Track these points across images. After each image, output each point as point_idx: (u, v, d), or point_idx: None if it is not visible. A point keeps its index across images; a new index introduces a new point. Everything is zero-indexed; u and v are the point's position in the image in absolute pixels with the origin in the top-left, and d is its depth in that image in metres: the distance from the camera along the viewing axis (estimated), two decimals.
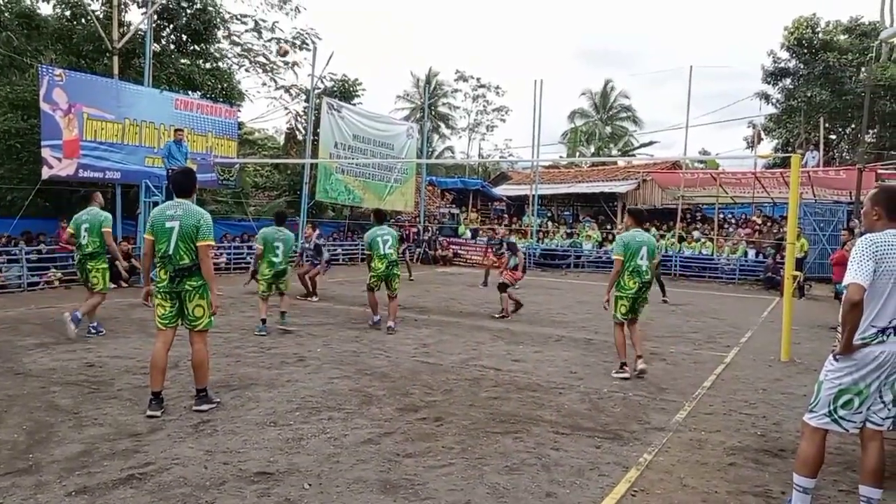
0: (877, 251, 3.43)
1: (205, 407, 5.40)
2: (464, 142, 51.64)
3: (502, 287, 11.31)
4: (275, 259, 9.14)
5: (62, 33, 17.44)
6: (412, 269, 18.23)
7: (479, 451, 4.63)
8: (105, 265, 8.70)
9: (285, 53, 15.05)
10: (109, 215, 8.84)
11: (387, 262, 9.42)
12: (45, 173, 13.87)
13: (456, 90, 47.80)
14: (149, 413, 5.19)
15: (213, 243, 5.45)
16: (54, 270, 13.95)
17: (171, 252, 5.29)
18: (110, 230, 8.68)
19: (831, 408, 3.57)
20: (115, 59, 16.25)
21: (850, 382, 3.52)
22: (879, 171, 21.02)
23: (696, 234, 22.95)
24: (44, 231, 15.12)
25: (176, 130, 14.72)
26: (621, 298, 7.17)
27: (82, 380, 6.25)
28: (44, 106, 13.74)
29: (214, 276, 5.52)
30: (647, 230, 9.35)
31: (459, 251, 24.83)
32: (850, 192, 19.54)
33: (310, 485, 3.97)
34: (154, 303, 5.49)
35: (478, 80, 47.45)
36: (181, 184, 5.57)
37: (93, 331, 8.51)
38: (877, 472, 3.56)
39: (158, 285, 5.41)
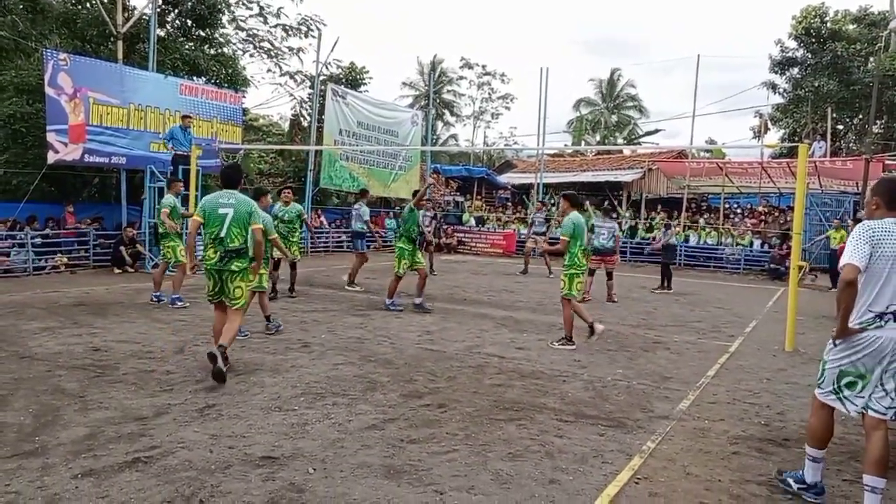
0: (873, 236, 3.58)
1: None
2: (468, 129, 51.51)
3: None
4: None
5: (67, 17, 17.38)
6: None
7: (482, 438, 4.64)
8: (174, 242, 9.99)
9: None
10: (168, 198, 10.22)
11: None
12: (51, 158, 13.87)
13: (461, 77, 47.56)
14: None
15: (262, 227, 6.31)
16: (60, 255, 13.99)
17: (223, 235, 6.07)
18: (167, 210, 9.89)
19: (835, 386, 3.73)
20: (120, 43, 16.19)
21: (848, 364, 3.67)
22: (887, 162, 20.87)
23: (701, 221, 22.89)
24: (50, 215, 15.14)
25: (184, 117, 14.70)
26: (577, 275, 7.86)
27: (88, 364, 6.28)
28: (49, 90, 13.72)
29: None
30: (585, 210, 10.25)
31: (464, 239, 24.82)
32: (857, 183, 19.46)
33: (314, 469, 3.99)
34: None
35: (483, 67, 47.19)
36: (231, 177, 6.53)
37: (178, 303, 9.75)
38: (881, 461, 3.58)
39: (206, 263, 6.17)
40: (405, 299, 10.54)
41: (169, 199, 10.18)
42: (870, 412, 3.65)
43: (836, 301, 3.66)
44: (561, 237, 7.88)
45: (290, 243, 10.48)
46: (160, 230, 10.25)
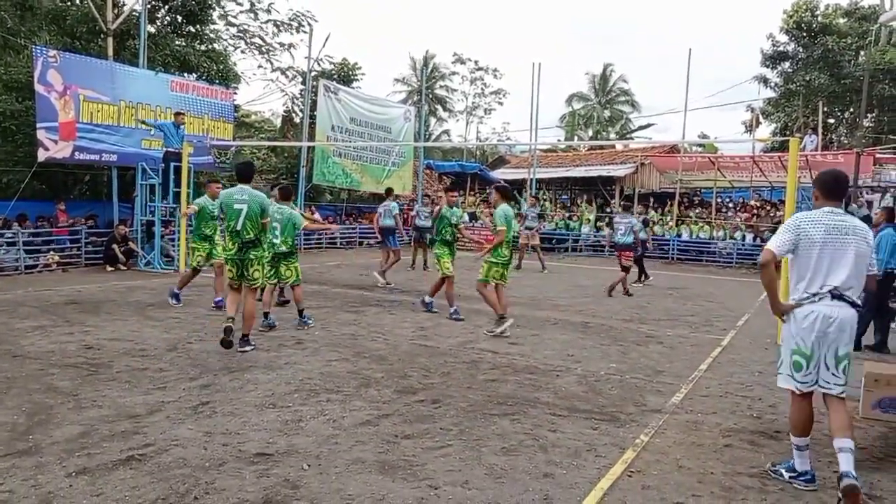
0: (799, 225, 3.97)
1: (247, 349, 6.80)
2: (461, 125, 51.52)
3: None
4: (274, 240, 8.26)
5: (56, 14, 17.26)
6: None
7: (476, 433, 4.66)
8: (201, 244, 9.56)
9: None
10: (202, 199, 9.69)
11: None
12: (41, 155, 13.79)
13: (453, 73, 47.56)
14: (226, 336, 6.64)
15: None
16: (52, 253, 13.93)
17: (238, 228, 6.89)
18: (195, 207, 9.59)
19: (791, 371, 4.03)
20: (110, 40, 16.10)
21: (794, 345, 4.00)
22: (877, 156, 21.01)
23: (692, 215, 22.97)
24: (41, 213, 15.06)
25: (177, 114, 14.63)
26: (496, 265, 8.34)
27: (81, 362, 6.26)
28: (38, 88, 13.63)
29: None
30: (515, 203, 10.68)
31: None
32: (848, 177, 19.53)
33: (309, 465, 4.00)
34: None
35: (475, 62, 47.21)
36: (244, 173, 7.24)
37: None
38: (843, 426, 3.82)
39: (227, 253, 7.16)
40: (409, 296, 10.54)
41: (202, 200, 9.54)
42: (823, 390, 3.96)
43: (761, 265, 4.04)
44: (498, 228, 8.29)
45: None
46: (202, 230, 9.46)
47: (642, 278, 14.32)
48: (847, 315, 3.90)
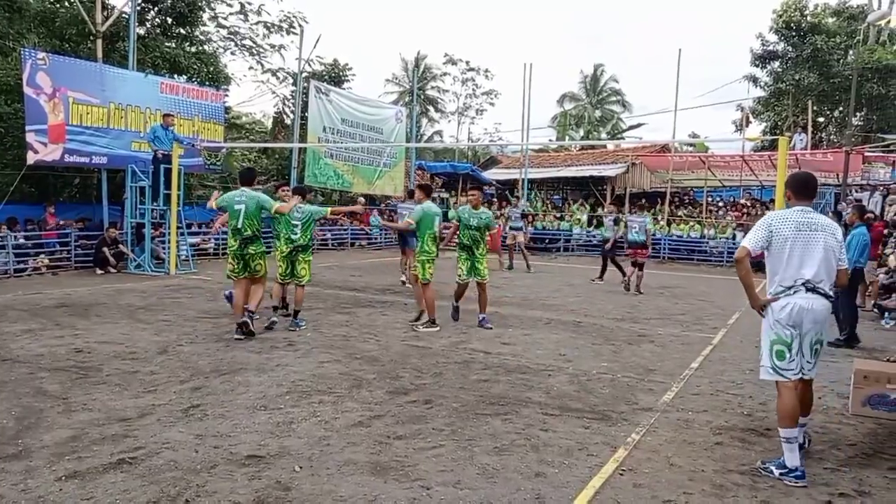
0: (770, 223, 4.22)
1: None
2: (453, 126, 51.45)
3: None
4: (293, 236, 8.41)
5: (45, 16, 17.17)
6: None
7: (468, 433, 4.66)
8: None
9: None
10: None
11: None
12: (31, 158, 13.70)
13: (445, 73, 47.47)
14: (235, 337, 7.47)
15: (275, 204, 7.98)
16: (42, 256, 13.84)
17: (239, 226, 7.68)
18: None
19: (773, 362, 4.24)
20: (99, 42, 16.02)
21: (774, 335, 4.22)
22: (866, 154, 21.14)
23: (681, 213, 23.06)
24: (30, 217, 14.96)
25: (165, 115, 14.57)
26: (428, 262, 8.52)
27: (70, 365, 6.23)
28: (27, 90, 13.54)
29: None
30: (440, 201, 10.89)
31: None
32: (838, 175, 19.67)
33: (301, 467, 3.99)
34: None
35: (467, 63, 47.11)
36: (245, 176, 8.09)
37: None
38: (807, 404, 4.42)
39: (230, 248, 7.83)
40: (401, 297, 10.52)
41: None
42: (804, 376, 4.27)
43: (736, 261, 4.33)
44: (407, 219, 8.91)
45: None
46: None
47: (603, 276, 14.39)
48: (821, 306, 4.16)
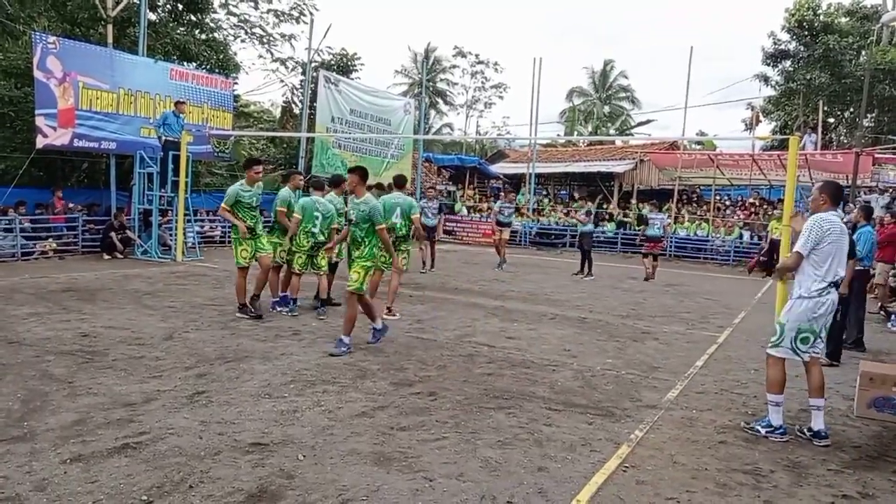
0: (822, 226, 4.69)
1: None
2: (461, 118, 51.31)
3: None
4: (314, 230, 8.56)
5: (56, 0, 17.17)
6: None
7: (472, 426, 4.67)
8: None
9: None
10: (284, 191, 9.06)
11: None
12: (40, 142, 13.72)
13: (454, 66, 47.37)
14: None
15: (280, 208, 8.69)
16: (49, 240, 13.89)
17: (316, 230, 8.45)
18: (283, 209, 8.80)
19: (794, 345, 4.74)
20: (110, 27, 16.01)
21: (807, 325, 4.71)
22: (877, 156, 20.99)
23: (685, 214, 22.98)
24: (39, 200, 15.01)
25: (177, 102, 14.58)
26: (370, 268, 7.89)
27: (76, 349, 6.26)
28: (38, 74, 13.55)
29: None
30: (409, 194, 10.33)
31: (455, 229, 24.80)
32: (847, 176, 19.52)
33: (304, 456, 4.00)
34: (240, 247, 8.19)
35: (476, 56, 47.02)
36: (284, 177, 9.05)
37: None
38: (820, 387, 4.80)
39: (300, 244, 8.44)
40: (407, 290, 10.49)
41: (285, 192, 8.95)
42: (812, 355, 4.84)
43: (783, 268, 5.10)
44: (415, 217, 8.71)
45: (256, 236, 8.46)
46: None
47: (584, 271, 14.72)
48: (837, 297, 4.82)
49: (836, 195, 4.92)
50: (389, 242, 7.27)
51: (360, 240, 6.90)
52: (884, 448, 4.74)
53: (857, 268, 8.01)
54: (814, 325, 4.70)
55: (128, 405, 4.75)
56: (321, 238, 8.65)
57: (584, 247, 14.90)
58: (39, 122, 13.64)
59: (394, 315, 8.54)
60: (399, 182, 9.35)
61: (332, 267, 9.30)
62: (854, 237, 8.15)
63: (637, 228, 21.92)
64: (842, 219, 5.00)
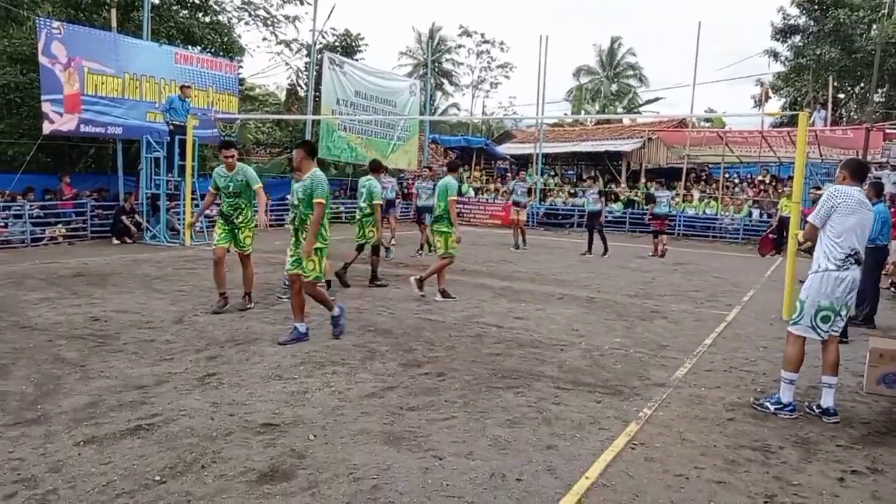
0: (836, 197, 4.69)
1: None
2: (467, 99, 51.12)
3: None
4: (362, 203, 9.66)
5: None
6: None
7: (481, 406, 4.69)
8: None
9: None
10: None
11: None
12: (46, 128, 13.76)
13: (459, 46, 47.05)
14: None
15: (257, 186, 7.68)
16: (59, 226, 13.97)
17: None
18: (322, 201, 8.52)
19: (813, 322, 4.74)
20: (114, 11, 15.95)
21: (826, 303, 4.69)
22: (887, 131, 20.77)
23: (696, 193, 22.85)
24: (47, 186, 15.07)
25: (183, 87, 14.56)
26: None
27: (87, 333, 6.31)
28: (43, 60, 13.55)
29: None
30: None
31: (463, 210, 24.76)
32: (858, 152, 19.33)
33: (315, 436, 4.03)
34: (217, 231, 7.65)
35: (482, 35, 46.68)
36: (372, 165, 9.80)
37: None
38: (834, 364, 4.81)
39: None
40: (413, 271, 10.54)
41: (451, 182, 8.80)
42: (832, 334, 4.83)
43: (804, 237, 5.02)
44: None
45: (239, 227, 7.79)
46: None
47: (592, 251, 14.92)
48: (859, 276, 4.76)
49: (857, 170, 4.92)
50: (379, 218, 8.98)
51: (305, 221, 6.21)
52: (893, 424, 4.73)
53: (868, 245, 7.99)
54: (834, 303, 4.67)
55: (139, 388, 4.79)
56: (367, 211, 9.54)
57: (593, 226, 15.01)
58: (46, 107, 13.66)
59: (421, 293, 8.76)
60: (374, 166, 10.01)
61: (373, 248, 9.76)
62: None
63: (645, 207, 22.02)
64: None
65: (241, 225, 7.65)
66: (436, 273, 8.81)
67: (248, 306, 7.75)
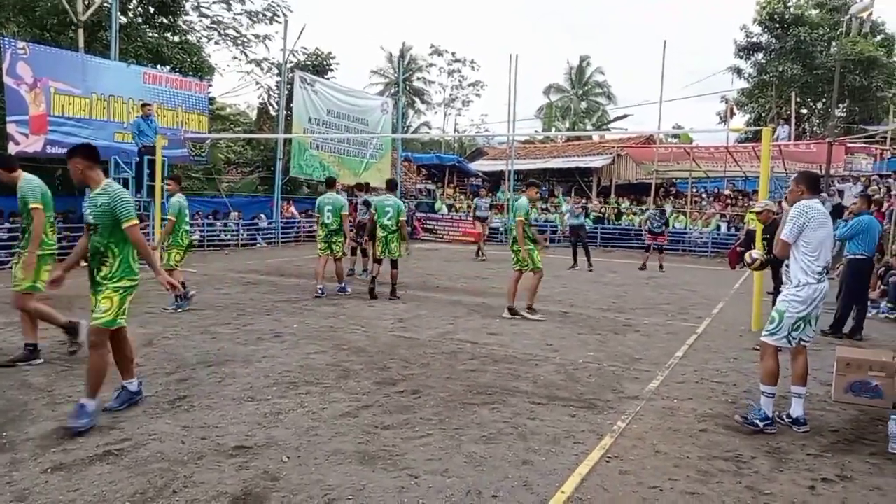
0: (806, 213, 4.75)
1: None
2: (439, 117, 51.40)
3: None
4: (326, 221, 10.36)
5: (24, 5, 16.87)
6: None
7: (456, 422, 4.68)
8: (342, 238, 10.68)
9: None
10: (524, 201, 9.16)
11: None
12: (12, 150, 13.50)
13: (431, 65, 47.37)
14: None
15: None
16: None
17: (327, 221, 10.42)
18: (347, 213, 10.67)
19: (789, 333, 4.81)
20: (81, 31, 15.80)
21: (805, 314, 4.79)
22: (849, 145, 21.33)
23: (668, 208, 23.18)
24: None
25: (143, 105, 14.43)
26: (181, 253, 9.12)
27: (55, 358, 6.19)
28: (7, 80, 13.37)
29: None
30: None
31: (436, 227, 24.81)
32: (821, 166, 19.81)
33: (288, 457, 3.99)
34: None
35: (453, 54, 47.06)
36: (327, 183, 10.91)
37: (340, 291, 10.53)
38: (803, 375, 4.91)
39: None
40: (387, 288, 10.51)
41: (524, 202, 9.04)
42: (801, 343, 4.91)
43: (779, 254, 4.96)
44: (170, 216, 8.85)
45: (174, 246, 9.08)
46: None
47: (578, 263, 15.92)
48: (828, 287, 4.89)
49: (812, 183, 5.00)
50: (403, 235, 10.25)
51: (102, 251, 4.87)
52: (861, 431, 4.82)
53: (858, 257, 8.34)
54: (806, 314, 4.77)
55: (109, 412, 4.70)
56: (333, 227, 10.37)
57: (577, 240, 15.95)
58: (11, 129, 13.46)
59: (534, 315, 8.85)
60: (390, 185, 11.01)
61: (393, 262, 10.32)
62: (852, 224, 8.34)
63: (616, 223, 22.44)
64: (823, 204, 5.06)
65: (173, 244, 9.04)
66: (535, 290, 9.04)
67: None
